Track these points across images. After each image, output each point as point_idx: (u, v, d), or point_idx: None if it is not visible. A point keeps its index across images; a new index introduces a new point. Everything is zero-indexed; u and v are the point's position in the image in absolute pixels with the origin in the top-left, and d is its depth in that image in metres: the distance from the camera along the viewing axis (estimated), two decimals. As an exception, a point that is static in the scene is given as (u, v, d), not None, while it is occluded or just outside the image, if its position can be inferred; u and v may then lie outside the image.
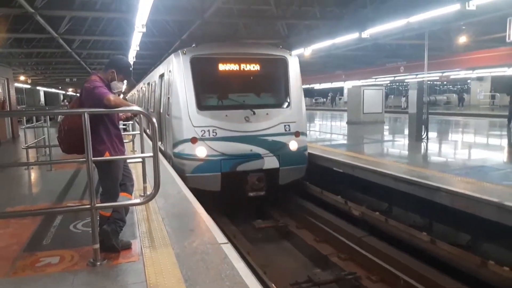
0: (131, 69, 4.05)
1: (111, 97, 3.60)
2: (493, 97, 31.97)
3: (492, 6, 10.12)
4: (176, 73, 8.53)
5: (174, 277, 3.28)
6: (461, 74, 34.98)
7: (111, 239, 3.75)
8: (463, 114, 26.41)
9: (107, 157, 3.77)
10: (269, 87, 9.48)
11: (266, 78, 9.34)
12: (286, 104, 9.03)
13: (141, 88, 19.20)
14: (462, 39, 18.65)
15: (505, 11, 11.88)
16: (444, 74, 32.42)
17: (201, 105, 8.34)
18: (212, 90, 8.94)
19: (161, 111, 10.43)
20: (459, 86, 46.79)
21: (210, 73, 8.75)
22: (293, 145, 8.67)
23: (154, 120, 3.68)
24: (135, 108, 3.99)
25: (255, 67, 8.86)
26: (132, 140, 9.89)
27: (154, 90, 12.76)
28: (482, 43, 19.75)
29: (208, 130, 8.11)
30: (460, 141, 13.04)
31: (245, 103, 8.64)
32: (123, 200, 3.97)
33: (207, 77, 8.75)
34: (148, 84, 15.52)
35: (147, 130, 12.61)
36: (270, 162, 8.45)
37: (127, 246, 3.92)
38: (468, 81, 40.27)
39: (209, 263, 3.53)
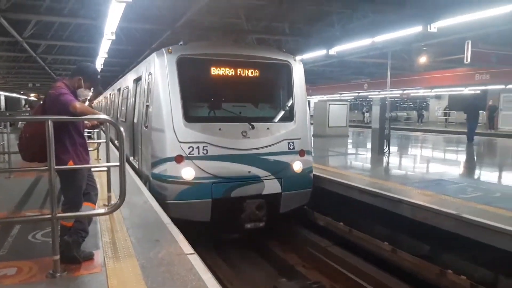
0: (98, 76, 4.00)
1: (77, 104, 3.53)
2: (447, 114, 33.52)
3: (451, 29, 10.70)
4: (158, 76, 7.03)
5: (139, 289, 3.22)
6: (421, 92, 36.57)
7: (72, 250, 3.63)
8: (422, 130, 27.52)
9: (70, 165, 3.68)
10: (270, 97, 8.23)
11: (266, 86, 8.08)
12: (290, 117, 7.69)
13: (109, 94, 17.61)
14: (423, 59, 19.56)
15: (464, 34, 12.59)
16: (405, 91, 33.77)
17: (189, 116, 6.90)
18: (202, 98, 7.57)
19: (136, 121, 9.10)
20: (418, 104, 48.73)
21: (201, 77, 7.35)
22: (298, 166, 7.40)
23: (122, 129, 3.63)
24: (102, 116, 3.93)
25: (254, 72, 7.45)
26: (97, 148, 9.64)
27: (126, 97, 11.27)
28: (441, 64, 20.76)
29: (198, 147, 6.69)
30: (419, 155, 13.57)
31: (242, 115, 7.35)
32: (86, 210, 3.87)
33: (197, 82, 7.37)
34: (119, 90, 14.03)
35: (115, 142, 12.11)
36: (271, 186, 7.14)
37: (89, 257, 3.81)
38: (427, 99, 42.06)
39: (175, 274, 3.49)
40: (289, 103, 7.80)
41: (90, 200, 3.95)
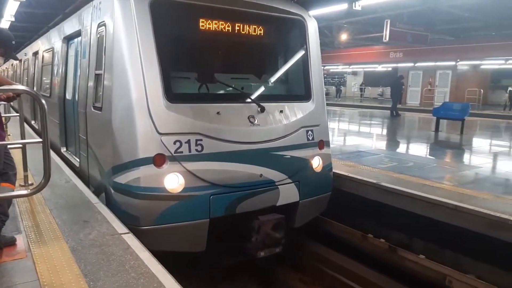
0: (13, 42, 3.56)
1: (-10, 73, 3.11)
2: (363, 89, 35.69)
3: (372, 8, 11.23)
4: (121, 29, 4.56)
5: (71, 273, 3.03)
6: (340, 68, 38.36)
7: (-10, 236, 3.29)
8: (340, 105, 29.02)
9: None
10: (280, 65, 5.97)
11: (275, 50, 5.96)
12: (307, 95, 5.66)
13: (18, 62, 14.28)
14: (343, 36, 20.38)
15: (382, 13, 13.30)
16: (325, 67, 35.17)
17: (173, 93, 4.60)
18: (189, 65, 5.19)
19: (70, 97, 6.87)
20: (337, 79, 51.12)
21: (186, 32, 5.01)
22: (317, 163, 5.52)
23: (43, 101, 3.30)
24: (19, 86, 3.51)
25: (258, 29, 5.28)
26: (6, 123, 8.71)
27: (51, 63, 8.40)
28: (360, 41, 21.84)
29: (188, 142, 4.47)
30: (338, 128, 14.34)
31: (246, 92, 5.24)
32: (4, 191, 3.49)
33: (181, 40, 4.99)
34: (35, 55, 11.12)
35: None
36: (288, 193, 5.18)
37: (11, 243, 3.48)
38: (345, 75, 44.24)
39: (110, 255, 3.33)
40: (305, 75, 5.72)
41: (9, 180, 3.57)
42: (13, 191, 3.63)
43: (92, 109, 5.31)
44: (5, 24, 12.28)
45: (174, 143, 4.44)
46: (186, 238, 4.61)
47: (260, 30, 5.32)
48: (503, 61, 25.68)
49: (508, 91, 24.75)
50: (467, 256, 5.21)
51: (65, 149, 7.42)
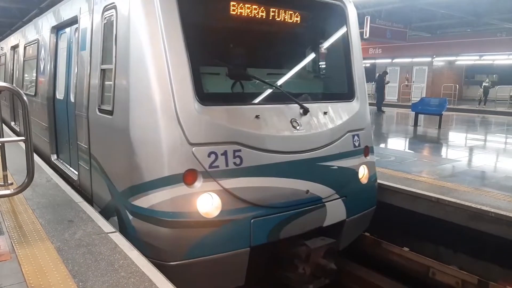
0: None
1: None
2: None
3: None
4: (140, 12, 3.71)
5: (59, 274, 2.96)
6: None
7: (-28, 238, 3.18)
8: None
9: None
10: (320, 59, 5.30)
11: (314, 41, 5.15)
12: (350, 93, 4.93)
13: None
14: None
15: (362, 9, 13.44)
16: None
17: (205, 93, 3.84)
18: (222, 59, 4.33)
19: (63, 97, 6.00)
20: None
21: (219, 20, 4.23)
22: (363, 173, 4.85)
23: (25, 98, 3.22)
24: (1, 83, 3.41)
25: (295, 16, 4.46)
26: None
27: (36, 57, 7.41)
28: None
29: (224, 153, 3.72)
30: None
31: (286, 90, 4.34)
32: (-14, 191, 3.39)
33: (213, 28, 4.28)
34: (14, 48, 10.07)
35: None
36: (335, 211, 4.50)
37: (-6, 244, 3.38)
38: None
39: (98, 255, 3.28)
40: (347, 70, 4.97)
41: (-10, 180, 3.46)
42: (-5, 191, 3.53)
43: (97, 113, 4.46)
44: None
45: (209, 155, 3.63)
46: (222, 272, 3.79)
47: (297, 17, 4.48)
48: (477, 57, 26.39)
49: (482, 86, 25.46)
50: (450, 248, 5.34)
51: (55, 157, 6.59)
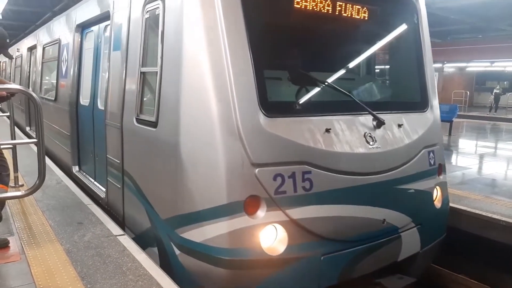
0: (8, 40, 3.50)
1: (-16, 72, 3.04)
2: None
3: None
4: (196, 5, 3.12)
5: (68, 276, 2.98)
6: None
7: (-17, 238, 3.22)
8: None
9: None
10: (390, 61, 4.69)
11: (383, 40, 4.32)
12: (423, 102, 4.32)
13: (7, 59, 12.71)
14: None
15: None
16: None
17: (270, 103, 3.20)
18: (288, 61, 3.66)
19: (90, 104, 5.47)
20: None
21: (284, 20, 3.61)
22: (436, 195, 4.21)
23: (38, 101, 3.25)
24: (14, 86, 3.45)
25: (364, 13, 3.82)
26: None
27: (58, 59, 6.85)
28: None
29: (292, 175, 3.11)
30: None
31: (357, 98, 3.70)
32: (-2, 192, 3.43)
33: (279, 26, 3.59)
34: (31, 50, 9.65)
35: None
36: (410, 242, 3.88)
37: (4, 245, 3.42)
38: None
39: (107, 257, 3.29)
40: (420, 75, 4.35)
41: (2, 181, 3.51)
42: (7, 192, 3.57)
43: (134, 124, 3.86)
44: (-8, 22, 12.09)
45: (274, 178, 3.01)
46: None
47: (365, 12, 3.80)
48: (488, 64, 26.14)
49: (493, 93, 25.20)
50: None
51: (77, 168, 6.09)
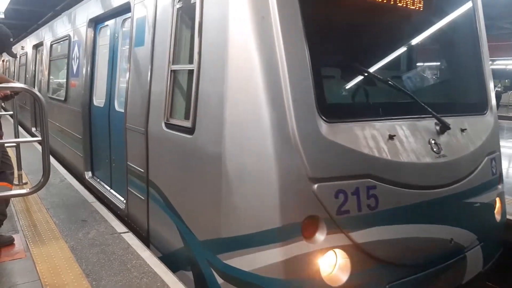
0: (11, 39, 3.52)
1: (-11, 70, 3.06)
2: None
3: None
4: (244, 2, 2.65)
5: (73, 273, 3.00)
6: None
7: (-12, 236, 3.24)
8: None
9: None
10: (449, 58, 4.15)
11: (440, 33, 3.81)
12: (482, 103, 3.91)
13: (11, 58, 11.40)
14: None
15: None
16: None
17: (330, 106, 2.78)
18: (346, 58, 3.19)
19: (106, 105, 5.09)
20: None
21: (341, 10, 3.09)
22: (497, 207, 3.85)
23: (42, 99, 3.26)
24: (19, 85, 3.47)
25: (419, 3, 3.38)
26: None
27: (68, 56, 6.47)
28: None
29: (355, 192, 2.67)
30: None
31: (419, 100, 3.18)
32: (2, 190, 3.44)
33: (336, 20, 3.09)
34: (37, 48, 9.35)
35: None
36: (474, 262, 3.49)
37: (9, 242, 3.44)
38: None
39: (111, 255, 3.31)
40: (478, 72, 3.96)
41: (6, 179, 3.52)
42: (11, 190, 3.59)
43: (163, 129, 3.43)
44: (-6, 21, 12.10)
45: (336, 195, 2.59)
46: None
47: (420, 2, 3.38)
48: (490, 62, 26.10)
49: (494, 91, 25.17)
50: None
51: (90, 174, 5.74)
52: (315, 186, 2.52)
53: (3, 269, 3.05)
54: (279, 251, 2.46)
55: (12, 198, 4.58)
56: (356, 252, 2.65)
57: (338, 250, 2.62)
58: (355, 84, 3.17)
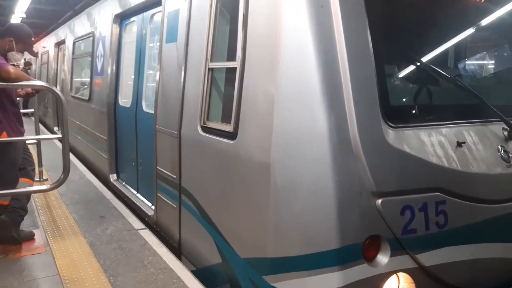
0: (32, 38, 3.58)
1: (11, 69, 3.13)
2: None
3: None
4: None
5: (91, 268, 3.05)
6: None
7: (10, 230, 3.32)
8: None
9: (4, 138, 3.30)
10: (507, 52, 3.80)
11: (499, 23, 3.32)
12: None
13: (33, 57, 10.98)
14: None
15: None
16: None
17: (394, 109, 2.48)
18: (410, 55, 2.75)
19: (133, 105, 4.88)
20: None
21: (410, 7, 2.76)
22: None
23: (62, 97, 3.33)
24: (40, 83, 3.54)
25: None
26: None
27: (92, 54, 6.27)
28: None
29: (423, 207, 2.34)
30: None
31: (488, 103, 2.77)
32: (23, 186, 3.53)
33: (404, 15, 2.76)
34: (59, 45, 9.20)
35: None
36: None
37: (30, 237, 3.52)
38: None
39: (128, 251, 3.35)
40: None
41: (27, 175, 3.60)
42: (32, 186, 3.67)
43: (200, 132, 3.12)
44: (16, 20, 12.36)
45: (402, 212, 2.29)
46: None
47: None
48: None
49: None
50: None
51: (115, 177, 5.50)
52: (379, 201, 2.21)
53: (24, 263, 3.12)
54: (336, 275, 2.17)
55: (33, 194, 4.70)
56: (422, 276, 2.38)
57: (402, 274, 2.34)
58: (422, 84, 2.81)
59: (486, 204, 2.59)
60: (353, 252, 2.18)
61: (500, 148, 2.76)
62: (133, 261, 3.18)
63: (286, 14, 2.33)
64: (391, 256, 2.26)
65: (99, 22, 6.09)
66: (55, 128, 10.11)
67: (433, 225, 2.36)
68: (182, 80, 3.40)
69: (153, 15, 4.42)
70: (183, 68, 3.41)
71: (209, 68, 3.08)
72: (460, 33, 3.08)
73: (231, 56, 2.84)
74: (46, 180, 5.41)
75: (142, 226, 3.92)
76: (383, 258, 2.26)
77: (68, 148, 3.34)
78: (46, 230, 3.77)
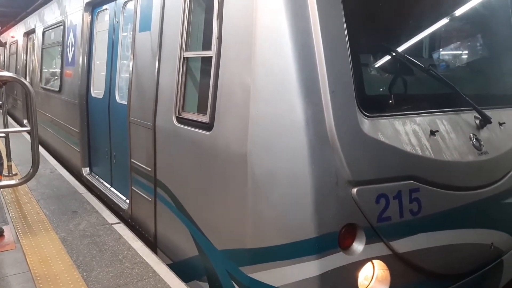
0: (0, 28, 3.44)
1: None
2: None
3: None
4: None
5: (63, 264, 2.98)
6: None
7: (-22, 227, 3.21)
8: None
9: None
10: (488, 44, 3.78)
11: (487, 23, 3.60)
12: None
13: None
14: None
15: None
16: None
17: (369, 98, 2.52)
18: (385, 44, 2.79)
19: (105, 97, 4.75)
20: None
21: (383, 3, 2.82)
22: None
23: (31, 88, 3.21)
24: (6, 73, 3.41)
25: None
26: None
27: (62, 44, 6.11)
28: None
29: (397, 196, 2.39)
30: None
31: (460, 92, 2.87)
32: (-9, 181, 3.42)
33: (379, 10, 2.78)
34: (28, 35, 9.11)
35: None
36: (508, 267, 3.30)
37: (-1, 234, 3.41)
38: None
39: (102, 246, 3.30)
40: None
41: (-5, 170, 3.48)
42: (0, 181, 3.55)
43: (174, 123, 3.07)
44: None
45: (377, 200, 2.32)
46: None
47: None
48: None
49: None
50: None
51: (88, 170, 5.41)
52: (355, 190, 2.22)
53: (-7, 260, 3.02)
54: (314, 264, 2.19)
55: (1, 189, 4.55)
56: (397, 262, 2.42)
57: (376, 261, 2.38)
58: (397, 74, 2.84)
59: (458, 191, 2.66)
60: (329, 240, 2.20)
61: (472, 136, 2.83)
62: (107, 256, 3.13)
63: (261, 3, 2.31)
64: (366, 244, 2.30)
65: (69, 10, 5.90)
66: (25, 121, 9.83)
67: (407, 213, 2.41)
68: (156, 70, 3.33)
69: (126, 2, 4.31)
70: (157, 57, 3.33)
71: (184, 57, 3.01)
72: (434, 24, 3.13)
73: (207, 45, 2.77)
74: (16, 174, 5.24)
75: (117, 220, 3.86)
76: (358, 246, 2.29)
77: (37, 141, 3.23)
78: (16, 226, 3.66)
